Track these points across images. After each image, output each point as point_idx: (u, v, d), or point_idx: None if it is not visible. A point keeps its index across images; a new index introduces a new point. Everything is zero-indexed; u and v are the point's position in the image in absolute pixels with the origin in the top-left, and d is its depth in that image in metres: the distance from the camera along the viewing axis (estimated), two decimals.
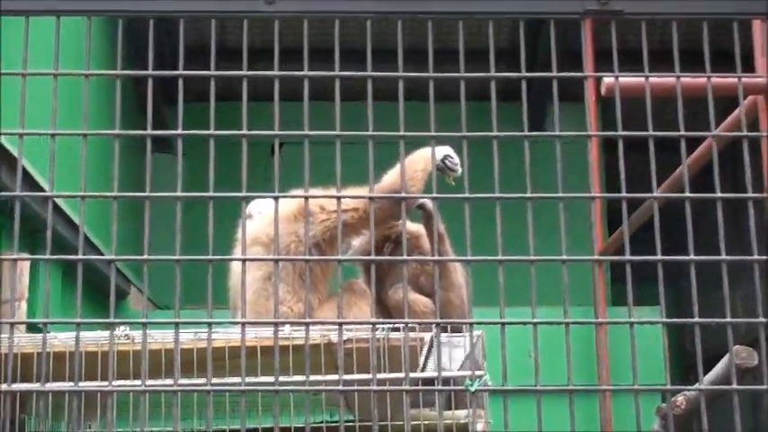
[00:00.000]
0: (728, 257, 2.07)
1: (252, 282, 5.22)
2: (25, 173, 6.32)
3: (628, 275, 2.08)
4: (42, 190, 6.79)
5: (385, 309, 5.69)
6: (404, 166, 2.11)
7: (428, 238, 5.63)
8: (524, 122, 2.20)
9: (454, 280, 5.78)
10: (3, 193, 2.13)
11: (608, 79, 6.45)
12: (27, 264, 5.95)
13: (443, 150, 5.65)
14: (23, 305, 5.69)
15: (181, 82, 2.09)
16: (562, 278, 2.08)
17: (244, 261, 2.07)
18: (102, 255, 8.77)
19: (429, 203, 5.51)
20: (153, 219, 2.19)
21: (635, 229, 7.96)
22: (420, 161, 5.41)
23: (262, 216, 5.53)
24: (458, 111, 2.14)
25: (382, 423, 4.48)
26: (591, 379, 9.88)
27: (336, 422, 4.69)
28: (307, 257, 1.77)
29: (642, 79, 2.22)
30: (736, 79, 2.36)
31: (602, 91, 6.72)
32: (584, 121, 11.01)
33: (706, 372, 4.91)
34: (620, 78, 2.22)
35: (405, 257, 2.15)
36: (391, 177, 5.26)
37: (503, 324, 2.03)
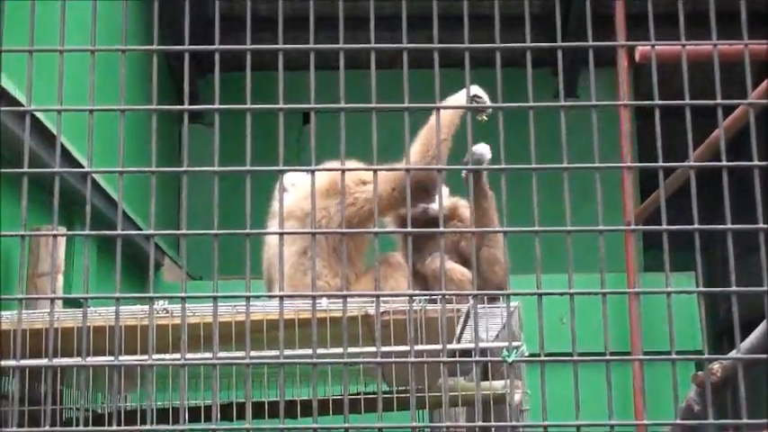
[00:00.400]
0: (766, 226, 2.06)
1: (288, 257, 5.16)
2: (62, 147, 6.35)
3: (665, 245, 2.07)
4: (78, 163, 6.83)
5: (422, 278, 5.69)
6: (439, 135, 2.10)
7: (474, 201, 5.60)
8: (560, 93, 2.20)
9: (500, 237, 5.77)
10: (43, 170, 2.14)
11: (643, 47, 6.43)
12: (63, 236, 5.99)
13: (472, 91, 5.16)
14: (60, 278, 5.74)
15: (217, 56, 2.10)
16: (599, 249, 2.08)
17: (281, 235, 2.08)
18: (136, 225, 8.83)
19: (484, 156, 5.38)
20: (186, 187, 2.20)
21: (669, 194, 7.92)
22: (444, 124, 4.89)
23: (295, 189, 5.47)
24: (490, 76, 2.13)
25: (419, 395, 4.49)
26: (623, 341, 9.88)
27: (373, 393, 4.71)
28: (343, 230, 1.78)
29: (677, 46, 2.20)
30: None
31: (637, 58, 6.69)
32: (614, 84, 10.99)
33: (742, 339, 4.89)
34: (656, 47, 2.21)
35: (441, 229, 2.15)
36: (418, 153, 5.16)
37: (540, 295, 2.03)
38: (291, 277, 5.19)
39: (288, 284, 5.13)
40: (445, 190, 5.85)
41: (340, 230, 1.86)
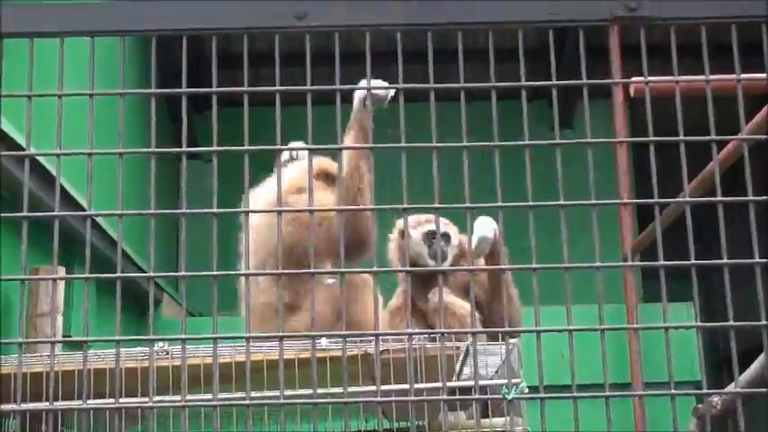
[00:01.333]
0: (762, 260, 2.06)
1: (258, 289, 5.10)
2: (62, 189, 6.34)
3: (662, 280, 2.08)
4: (79, 204, 6.83)
5: (424, 314, 5.65)
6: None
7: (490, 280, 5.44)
8: (556, 131, 2.20)
9: (512, 294, 5.61)
10: (42, 214, 2.15)
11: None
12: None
13: (360, 95, 4.50)
14: (59, 318, 5.72)
15: (214, 99, 2.11)
16: (596, 285, 2.08)
17: (279, 276, 2.09)
18: (135, 263, 8.82)
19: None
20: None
21: (666, 226, 7.90)
22: (353, 155, 4.04)
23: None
24: (485, 110, 2.14)
25: None
26: (623, 371, 9.81)
27: (374, 431, 4.69)
28: (342, 270, 1.77)
29: (670, 82, 2.21)
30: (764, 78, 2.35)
31: (631, 93, 6.71)
32: (611, 116, 10.99)
33: (741, 372, 4.87)
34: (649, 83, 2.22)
35: (440, 268, 2.16)
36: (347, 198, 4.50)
37: (538, 332, 2.04)
38: (261, 318, 5.08)
39: (257, 328, 5.01)
40: (454, 228, 5.54)
41: (339, 270, 1.84)
